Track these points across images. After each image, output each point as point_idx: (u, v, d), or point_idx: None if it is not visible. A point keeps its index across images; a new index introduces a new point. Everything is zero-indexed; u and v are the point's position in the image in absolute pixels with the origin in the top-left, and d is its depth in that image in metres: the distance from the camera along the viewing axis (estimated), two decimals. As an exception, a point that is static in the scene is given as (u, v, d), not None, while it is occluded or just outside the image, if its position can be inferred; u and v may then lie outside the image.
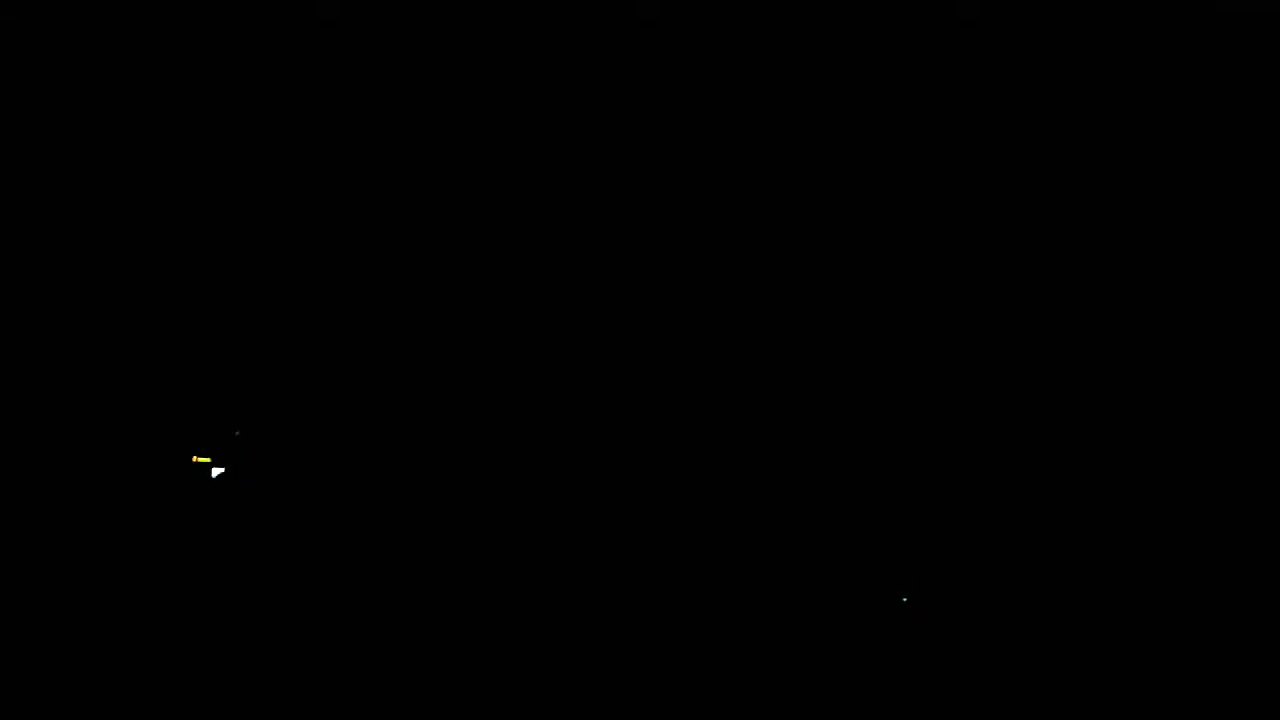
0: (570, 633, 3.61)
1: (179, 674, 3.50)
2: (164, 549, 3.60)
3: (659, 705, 3.54)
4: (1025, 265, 3.61)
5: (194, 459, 3.70)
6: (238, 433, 3.72)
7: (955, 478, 3.64)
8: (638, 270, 3.68)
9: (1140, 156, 3.59)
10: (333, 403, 3.70)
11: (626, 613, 3.63)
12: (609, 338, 3.69)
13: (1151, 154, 3.60)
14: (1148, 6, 3.56)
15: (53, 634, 3.48)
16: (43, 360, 3.64)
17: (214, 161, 3.74)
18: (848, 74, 3.64)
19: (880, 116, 3.65)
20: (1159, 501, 3.54)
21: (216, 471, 3.69)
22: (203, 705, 3.49)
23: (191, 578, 3.58)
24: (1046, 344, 3.61)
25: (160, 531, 3.60)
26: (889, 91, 3.65)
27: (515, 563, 3.64)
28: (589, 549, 3.67)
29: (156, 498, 3.61)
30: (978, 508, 3.60)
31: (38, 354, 3.64)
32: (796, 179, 3.67)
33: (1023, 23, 3.59)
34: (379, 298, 3.73)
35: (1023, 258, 3.61)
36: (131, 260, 3.71)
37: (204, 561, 3.60)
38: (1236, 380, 3.54)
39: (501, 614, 3.60)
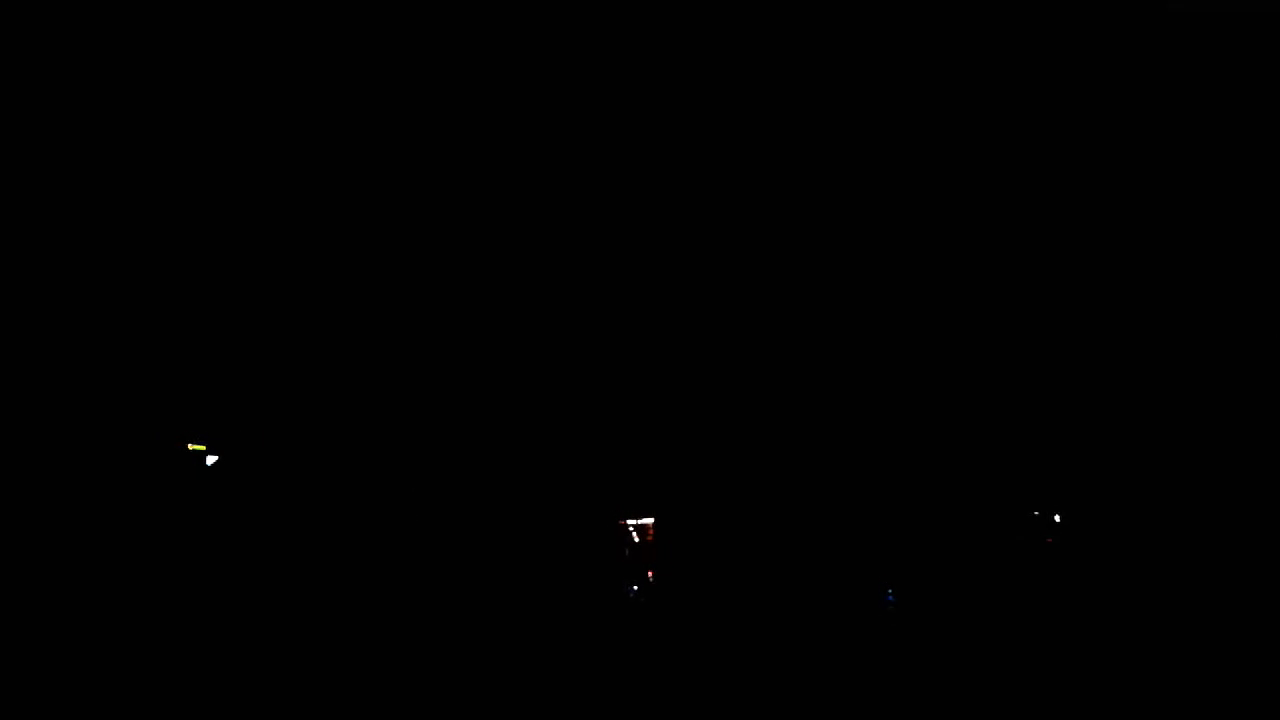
0: (566, 631, 3.60)
1: (177, 671, 3.50)
2: (163, 546, 3.59)
3: (657, 704, 3.53)
4: (1022, 263, 3.61)
5: (192, 449, 3.70)
6: (237, 433, 3.72)
7: (952, 479, 3.64)
8: (634, 269, 3.67)
9: (1139, 156, 3.58)
10: (332, 402, 3.70)
11: (623, 611, 3.62)
12: (607, 335, 3.69)
13: (1151, 153, 3.60)
14: (1149, 7, 3.56)
15: (52, 631, 3.49)
16: (42, 359, 3.63)
17: (213, 161, 3.73)
18: (848, 74, 3.63)
19: (880, 116, 3.64)
20: (1155, 501, 3.53)
21: (212, 463, 3.70)
22: (202, 703, 3.49)
23: (191, 575, 3.57)
24: (1042, 342, 3.60)
25: (160, 529, 3.60)
26: (889, 91, 3.64)
27: (512, 561, 3.63)
28: (585, 548, 3.66)
29: (155, 495, 3.61)
30: (972, 510, 3.60)
31: (37, 353, 3.64)
32: (795, 178, 3.66)
33: (1022, 23, 3.58)
34: (377, 296, 3.73)
35: (1020, 256, 3.61)
36: (131, 259, 3.71)
37: (203, 559, 3.59)
38: (1234, 378, 3.53)
39: (498, 613, 3.60)
